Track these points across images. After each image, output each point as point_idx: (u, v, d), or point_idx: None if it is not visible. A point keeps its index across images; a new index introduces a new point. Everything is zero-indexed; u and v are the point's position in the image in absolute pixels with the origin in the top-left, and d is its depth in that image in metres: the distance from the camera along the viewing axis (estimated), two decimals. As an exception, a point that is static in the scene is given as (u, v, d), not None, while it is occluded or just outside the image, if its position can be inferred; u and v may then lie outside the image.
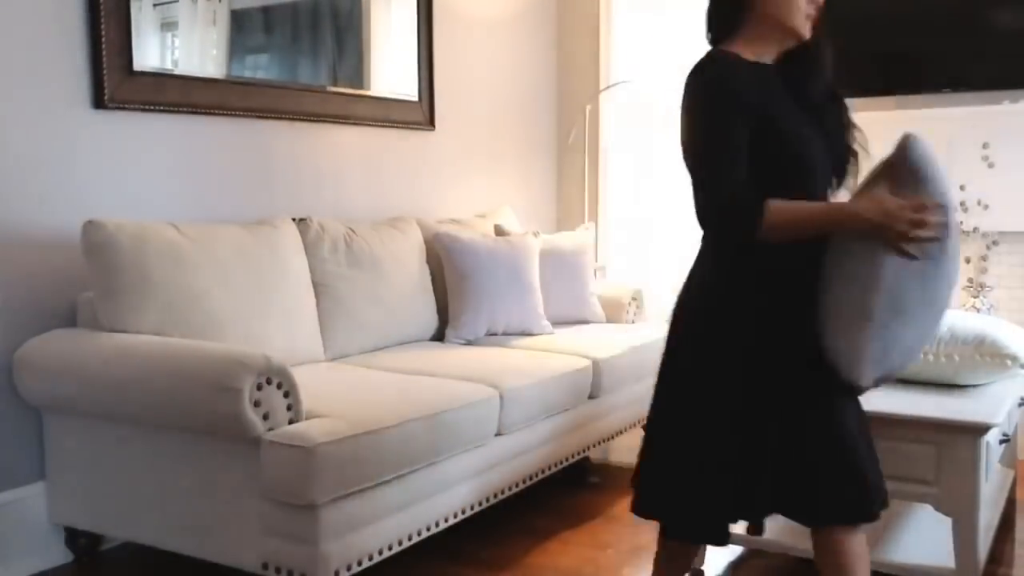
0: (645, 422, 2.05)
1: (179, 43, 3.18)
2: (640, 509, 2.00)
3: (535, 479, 3.13)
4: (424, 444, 2.58)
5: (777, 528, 2.74)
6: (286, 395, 2.39)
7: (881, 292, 1.74)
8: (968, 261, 3.92)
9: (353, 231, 3.42)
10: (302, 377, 2.52)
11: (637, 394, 3.78)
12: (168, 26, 3.12)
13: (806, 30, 1.90)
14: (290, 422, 2.39)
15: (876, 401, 2.52)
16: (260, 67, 3.50)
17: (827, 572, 1.93)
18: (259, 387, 2.33)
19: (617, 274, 4.98)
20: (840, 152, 1.96)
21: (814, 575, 2.61)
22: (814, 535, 1.94)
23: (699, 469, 1.91)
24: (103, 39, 2.87)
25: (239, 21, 3.38)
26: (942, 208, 1.73)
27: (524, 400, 3.01)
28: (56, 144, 2.81)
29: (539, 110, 4.97)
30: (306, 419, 2.43)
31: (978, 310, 3.87)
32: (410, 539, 2.60)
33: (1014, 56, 3.96)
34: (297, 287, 3.11)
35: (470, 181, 4.48)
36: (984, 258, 3.90)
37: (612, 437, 3.65)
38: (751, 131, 1.81)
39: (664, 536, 2.03)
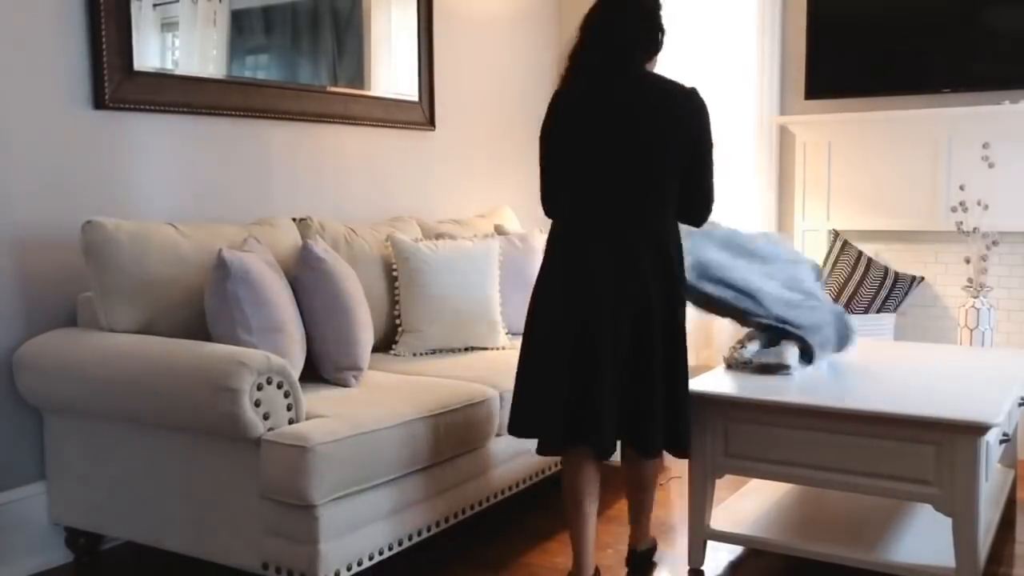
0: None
1: (179, 43, 3.19)
2: None
3: (535, 479, 3.13)
4: (424, 444, 2.58)
5: (777, 528, 2.74)
6: (286, 395, 2.40)
7: None
8: (968, 261, 3.92)
9: (353, 231, 3.42)
10: (302, 377, 2.52)
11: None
12: (168, 26, 3.13)
13: None
14: (290, 422, 2.40)
15: (877, 401, 2.53)
16: (260, 67, 3.50)
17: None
18: (259, 387, 2.33)
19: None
20: None
21: (814, 575, 2.60)
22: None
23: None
24: (103, 39, 2.87)
25: (239, 21, 3.38)
26: None
27: (524, 400, 3.00)
28: (56, 144, 2.81)
29: (539, 110, 4.94)
30: (306, 419, 2.43)
31: (978, 310, 3.87)
32: (410, 539, 2.60)
33: (1014, 56, 3.96)
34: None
35: (470, 181, 4.48)
36: (984, 258, 3.90)
37: (612, 437, 3.64)
38: None
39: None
